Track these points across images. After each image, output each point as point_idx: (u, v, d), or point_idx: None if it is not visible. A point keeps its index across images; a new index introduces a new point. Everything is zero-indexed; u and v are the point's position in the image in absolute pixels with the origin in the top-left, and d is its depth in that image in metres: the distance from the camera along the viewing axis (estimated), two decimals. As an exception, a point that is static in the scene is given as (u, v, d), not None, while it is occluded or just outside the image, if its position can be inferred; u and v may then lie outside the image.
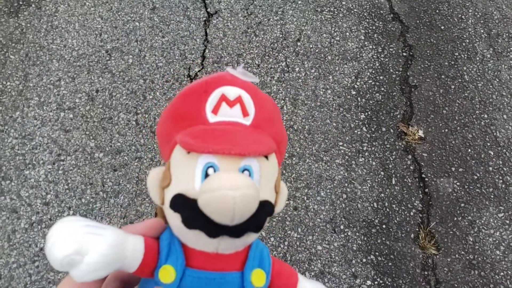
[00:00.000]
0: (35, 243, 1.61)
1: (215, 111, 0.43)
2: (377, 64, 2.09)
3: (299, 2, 2.24)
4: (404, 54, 2.13)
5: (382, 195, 1.78)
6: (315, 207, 1.73)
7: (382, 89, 2.02)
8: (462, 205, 1.77)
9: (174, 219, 0.40)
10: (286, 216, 1.71)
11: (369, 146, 1.88)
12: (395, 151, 1.88)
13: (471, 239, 1.71)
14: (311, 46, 2.11)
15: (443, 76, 2.08)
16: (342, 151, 1.86)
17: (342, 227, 1.70)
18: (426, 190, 1.80)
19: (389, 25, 2.21)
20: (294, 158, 1.82)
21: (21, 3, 2.12)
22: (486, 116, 1.98)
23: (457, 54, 2.14)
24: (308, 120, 1.91)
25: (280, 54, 2.08)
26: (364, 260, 1.65)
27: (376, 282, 1.61)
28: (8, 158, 1.76)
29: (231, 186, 0.36)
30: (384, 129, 1.92)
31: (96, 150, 1.80)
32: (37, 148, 1.78)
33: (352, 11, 2.24)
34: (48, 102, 1.89)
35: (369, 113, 1.96)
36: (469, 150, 1.89)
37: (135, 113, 1.88)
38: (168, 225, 0.43)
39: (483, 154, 1.89)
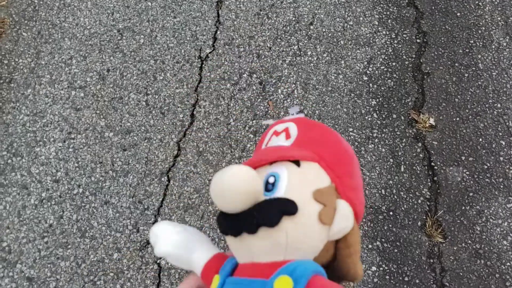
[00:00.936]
0: (44, 219, 1.64)
1: (267, 143, 0.54)
2: (390, 50, 2.06)
3: (313, -15, 2.21)
4: (418, 40, 2.10)
5: (390, 182, 1.77)
6: (323, 192, 1.73)
7: (394, 75, 2.00)
8: (471, 194, 1.76)
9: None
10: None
11: (379, 132, 1.87)
12: (405, 138, 1.86)
13: (479, 229, 1.70)
14: (324, 30, 2.09)
15: (456, 64, 2.04)
16: (352, 137, 1.85)
17: (349, 212, 1.70)
18: (435, 178, 1.79)
19: (403, 11, 2.18)
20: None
21: (33, -20, 2.12)
22: (499, 105, 1.95)
23: (472, 41, 2.11)
24: (319, 105, 1.90)
25: (292, 38, 2.06)
26: (370, 246, 1.66)
27: (381, 268, 1.62)
28: (19, 134, 1.77)
29: (226, 172, 0.42)
30: (395, 116, 1.91)
31: (106, 129, 1.81)
32: (48, 126, 1.80)
33: (367, -4, 2.21)
34: (59, 80, 1.90)
35: (380, 99, 1.94)
36: (480, 140, 1.87)
37: (146, 94, 1.88)
38: None
39: (494, 144, 1.87)
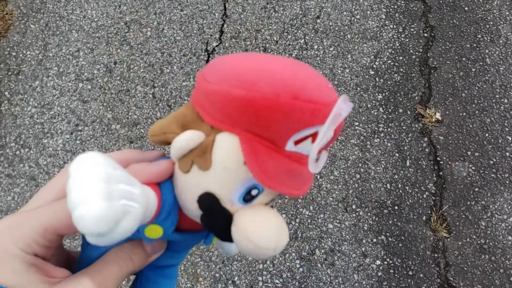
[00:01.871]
0: (52, 210, 1.65)
1: (297, 142, 0.37)
2: (397, 44, 2.05)
3: (320, -22, 2.21)
4: (425, 35, 2.09)
5: (396, 176, 1.78)
6: (328, 186, 1.74)
7: (401, 70, 1.99)
8: (476, 189, 1.76)
9: (193, 202, 0.38)
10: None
11: (385, 127, 1.87)
12: (411, 133, 1.86)
13: (483, 224, 1.71)
14: (330, 23, 2.08)
15: (464, 59, 2.04)
16: (357, 131, 1.85)
17: (354, 206, 1.71)
18: (441, 173, 1.79)
19: (411, 5, 2.17)
20: (309, 137, 1.82)
21: (41, -28, 2.12)
22: (506, 100, 1.94)
23: (479, 36, 2.10)
24: (325, 99, 1.90)
25: (299, 31, 2.06)
26: (374, 240, 1.66)
27: (385, 262, 1.63)
28: (27, 126, 1.79)
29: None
30: (401, 110, 1.91)
31: (113, 121, 1.82)
32: (56, 118, 1.81)
33: (374, -11, 2.20)
34: (67, 72, 1.91)
35: (386, 93, 1.94)
36: (487, 135, 1.87)
37: (152, 86, 1.89)
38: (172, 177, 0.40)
39: (500, 139, 1.86)
